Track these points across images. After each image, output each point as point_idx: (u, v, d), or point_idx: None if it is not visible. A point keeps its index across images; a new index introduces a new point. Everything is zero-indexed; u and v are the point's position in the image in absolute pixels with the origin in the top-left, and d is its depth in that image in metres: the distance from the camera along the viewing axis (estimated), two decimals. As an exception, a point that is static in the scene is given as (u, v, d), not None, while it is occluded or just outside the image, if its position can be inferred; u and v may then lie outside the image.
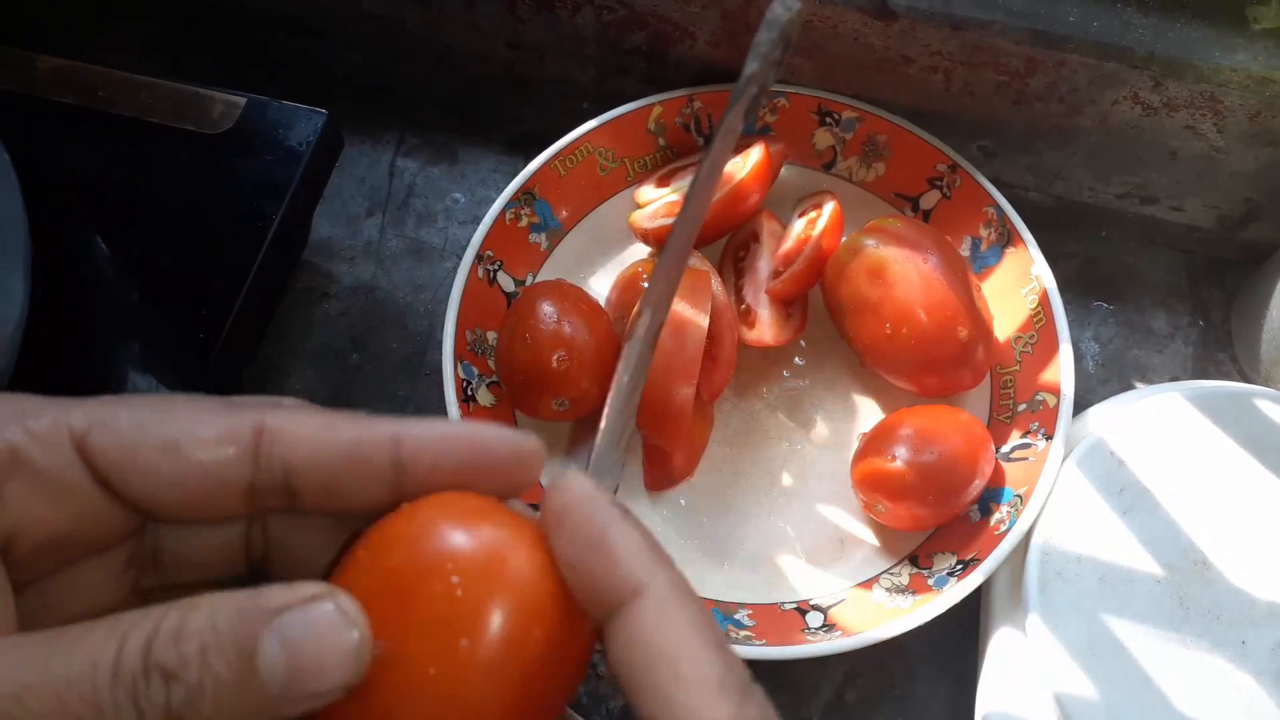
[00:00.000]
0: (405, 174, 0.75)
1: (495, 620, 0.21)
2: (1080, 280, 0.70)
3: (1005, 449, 0.58)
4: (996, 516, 0.55)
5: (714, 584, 0.57)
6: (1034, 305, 0.60)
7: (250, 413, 0.23)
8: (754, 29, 0.63)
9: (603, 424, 0.31)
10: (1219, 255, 0.72)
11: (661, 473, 0.60)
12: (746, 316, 0.62)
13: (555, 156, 0.64)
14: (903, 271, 0.58)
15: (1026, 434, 0.57)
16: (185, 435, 0.22)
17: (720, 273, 0.63)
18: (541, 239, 0.65)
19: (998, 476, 0.57)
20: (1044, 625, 0.51)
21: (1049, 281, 0.60)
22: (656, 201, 0.65)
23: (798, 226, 0.64)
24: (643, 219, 0.64)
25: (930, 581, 0.54)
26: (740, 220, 0.64)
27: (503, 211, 0.62)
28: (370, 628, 0.20)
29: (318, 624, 0.19)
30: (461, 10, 0.70)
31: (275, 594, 0.19)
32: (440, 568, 0.21)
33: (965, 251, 0.64)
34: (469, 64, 0.75)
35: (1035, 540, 0.53)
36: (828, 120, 0.67)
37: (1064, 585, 0.52)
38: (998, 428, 0.60)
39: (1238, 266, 0.70)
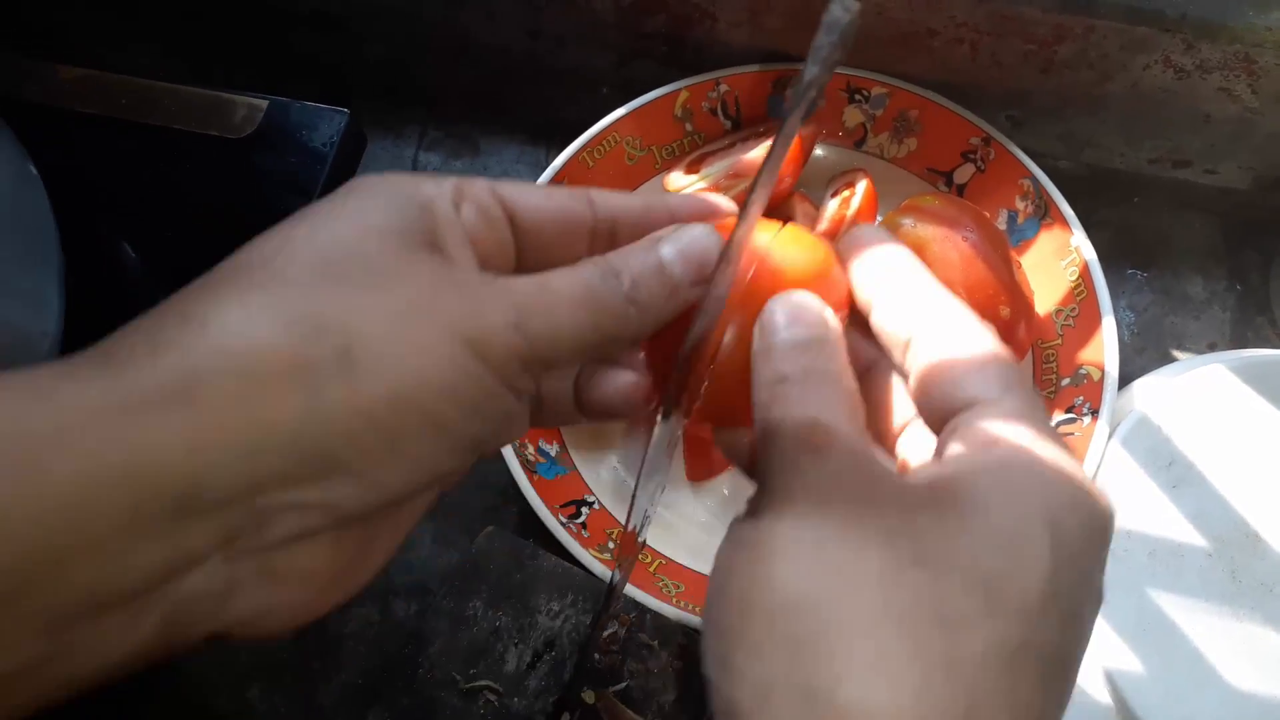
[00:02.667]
0: (429, 168, 0.74)
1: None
2: (1114, 248, 0.69)
3: (1051, 424, 0.58)
4: (1043, 495, 0.54)
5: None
6: (1074, 278, 0.59)
7: (580, 188, 0.31)
8: (774, 9, 0.64)
9: (656, 426, 0.31)
10: (1255, 218, 0.71)
11: (703, 463, 0.59)
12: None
13: (584, 148, 0.64)
14: (942, 251, 0.57)
15: (1071, 409, 0.57)
16: (547, 190, 0.30)
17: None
18: (573, 231, 0.65)
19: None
20: (1094, 602, 0.51)
21: (1089, 253, 0.59)
22: (689, 188, 0.64)
23: (831, 206, 0.63)
24: None
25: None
26: (774, 204, 0.64)
27: (534, 205, 0.62)
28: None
29: (692, 233, 0.29)
30: (480, 1, 0.69)
31: (659, 231, 0.30)
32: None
33: (1002, 225, 0.63)
34: (489, 54, 0.74)
35: (1083, 517, 0.53)
36: (857, 97, 0.66)
37: (1114, 562, 0.51)
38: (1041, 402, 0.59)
39: (1275, 228, 0.69)
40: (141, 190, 0.62)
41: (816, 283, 0.30)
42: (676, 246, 0.29)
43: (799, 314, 0.28)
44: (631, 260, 0.28)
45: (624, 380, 0.31)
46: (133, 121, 0.63)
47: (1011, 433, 0.26)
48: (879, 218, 0.61)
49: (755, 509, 0.27)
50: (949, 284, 0.55)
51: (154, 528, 0.21)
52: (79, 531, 0.20)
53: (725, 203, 0.32)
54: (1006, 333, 0.57)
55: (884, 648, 0.22)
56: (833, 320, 0.29)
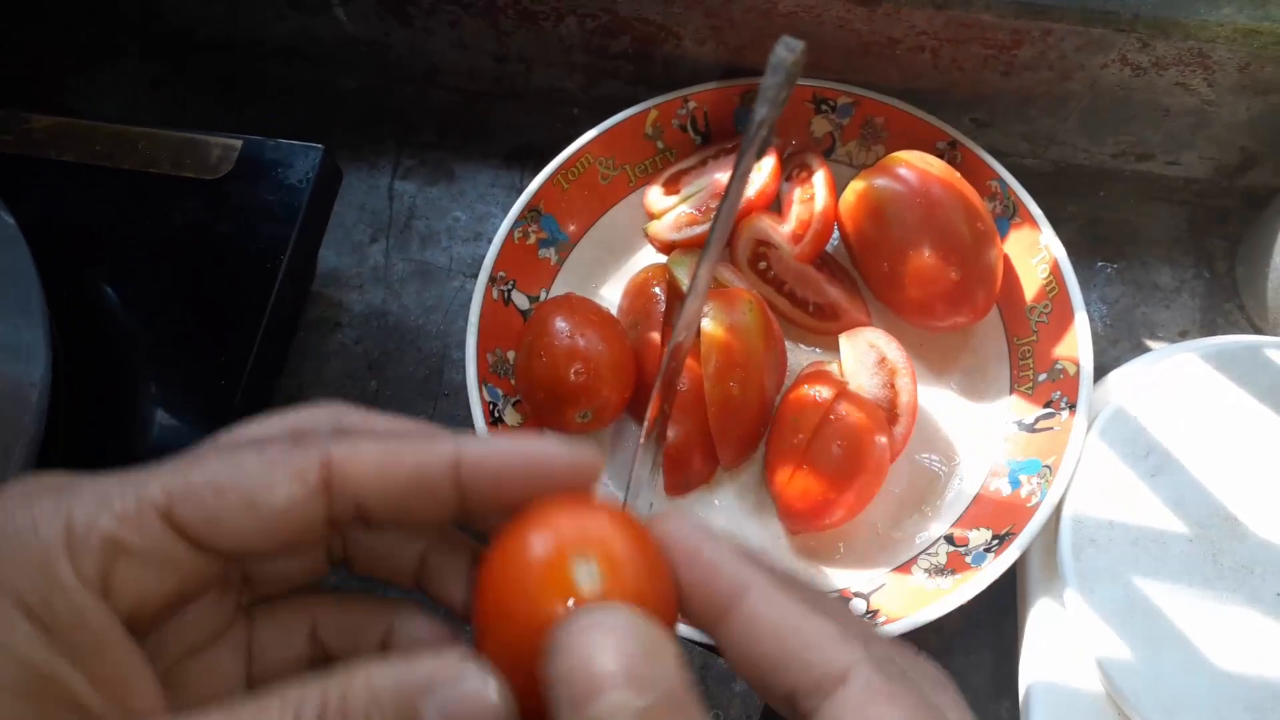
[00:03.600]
0: (405, 196, 0.75)
1: None
2: (1083, 242, 0.71)
3: (1029, 420, 0.59)
4: (1027, 489, 0.56)
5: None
6: (1046, 275, 0.61)
7: (315, 449, 0.24)
8: (737, 24, 0.65)
9: (638, 451, 0.32)
10: (1219, 205, 0.72)
11: (680, 478, 0.60)
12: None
13: (557, 171, 0.65)
14: (897, 211, 0.60)
15: (1049, 404, 0.58)
16: (260, 488, 0.23)
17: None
18: (551, 254, 0.66)
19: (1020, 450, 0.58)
20: (1081, 592, 0.52)
21: (1059, 251, 0.60)
22: (672, 211, 0.65)
23: (796, 209, 0.64)
24: (664, 230, 0.65)
25: (968, 559, 0.55)
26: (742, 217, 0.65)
27: (511, 231, 0.63)
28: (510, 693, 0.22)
29: (468, 694, 0.21)
30: (446, 28, 0.70)
31: (425, 665, 0.22)
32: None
33: (969, 227, 0.65)
34: (458, 80, 0.75)
35: (1066, 509, 0.54)
36: (823, 107, 0.68)
37: (1098, 551, 0.53)
38: (1019, 398, 0.60)
39: (1238, 215, 0.71)
40: (120, 235, 0.62)
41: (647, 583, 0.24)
42: (444, 713, 0.21)
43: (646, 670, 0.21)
44: None
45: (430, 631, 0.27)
46: (108, 167, 0.63)
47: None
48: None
49: None
50: (903, 243, 0.60)
51: None
52: None
53: (547, 460, 0.25)
54: (958, 295, 0.60)
55: None
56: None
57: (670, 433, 0.58)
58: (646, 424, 0.31)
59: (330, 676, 0.21)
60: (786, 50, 0.26)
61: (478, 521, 0.26)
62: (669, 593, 0.24)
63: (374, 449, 0.24)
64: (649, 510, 0.37)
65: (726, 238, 0.29)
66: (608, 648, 0.20)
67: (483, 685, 0.21)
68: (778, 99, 0.26)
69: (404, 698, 0.21)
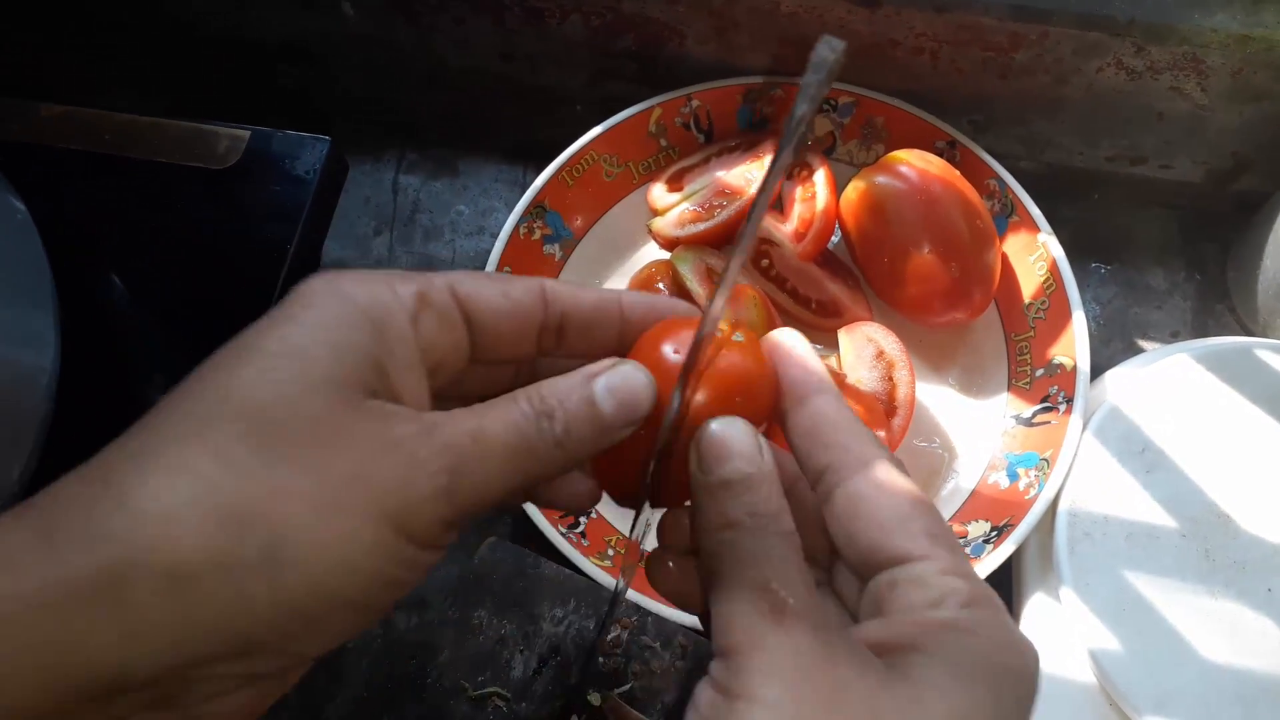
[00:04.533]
0: (409, 190, 0.76)
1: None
2: (1077, 244, 0.72)
3: (1027, 415, 0.60)
4: (1025, 481, 0.57)
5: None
6: (1044, 273, 0.62)
7: (535, 280, 0.32)
8: (740, 25, 0.66)
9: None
10: (1210, 209, 0.74)
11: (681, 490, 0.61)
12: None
13: (562, 168, 0.66)
14: (897, 209, 0.61)
15: (1046, 399, 0.59)
16: (510, 283, 0.32)
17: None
18: (555, 250, 0.67)
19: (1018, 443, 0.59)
20: (1075, 586, 0.53)
21: (1056, 249, 0.61)
22: (675, 208, 0.66)
23: (798, 207, 0.65)
24: (668, 227, 0.65)
25: (967, 551, 0.56)
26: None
27: (517, 226, 0.64)
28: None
29: (624, 373, 0.29)
30: (451, 26, 0.71)
31: (594, 366, 0.30)
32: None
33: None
34: (463, 77, 0.76)
35: (1062, 504, 0.55)
36: (825, 106, 0.69)
37: (1092, 546, 0.54)
38: (1017, 393, 0.61)
39: (1230, 219, 0.72)
40: (128, 223, 0.63)
41: (750, 391, 0.31)
42: (609, 387, 0.29)
43: (736, 445, 0.29)
44: (567, 401, 0.29)
45: (580, 488, 0.33)
46: (116, 156, 0.63)
47: (950, 597, 0.27)
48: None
49: (723, 684, 0.26)
50: (902, 240, 0.61)
51: (86, 707, 0.23)
52: (11, 713, 0.22)
53: (677, 304, 0.34)
54: (956, 292, 0.61)
55: None
56: (767, 452, 0.29)
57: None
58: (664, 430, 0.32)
59: (540, 383, 0.29)
60: (829, 49, 0.26)
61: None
62: (770, 391, 0.32)
63: (571, 286, 0.33)
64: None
65: (756, 235, 0.31)
66: (735, 438, 0.29)
67: (635, 370, 0.30)
68: (818, 95, 0.27)
69: (586, 382, 0.29)
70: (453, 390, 0.32)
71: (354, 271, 0.29)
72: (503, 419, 0.28)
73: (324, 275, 0.29)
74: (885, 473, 0.29)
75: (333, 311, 0.28)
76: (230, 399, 0.26)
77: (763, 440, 0.29)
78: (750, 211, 0.29)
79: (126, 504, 0.24)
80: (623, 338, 0.33)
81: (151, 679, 0.24)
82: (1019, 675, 0.27)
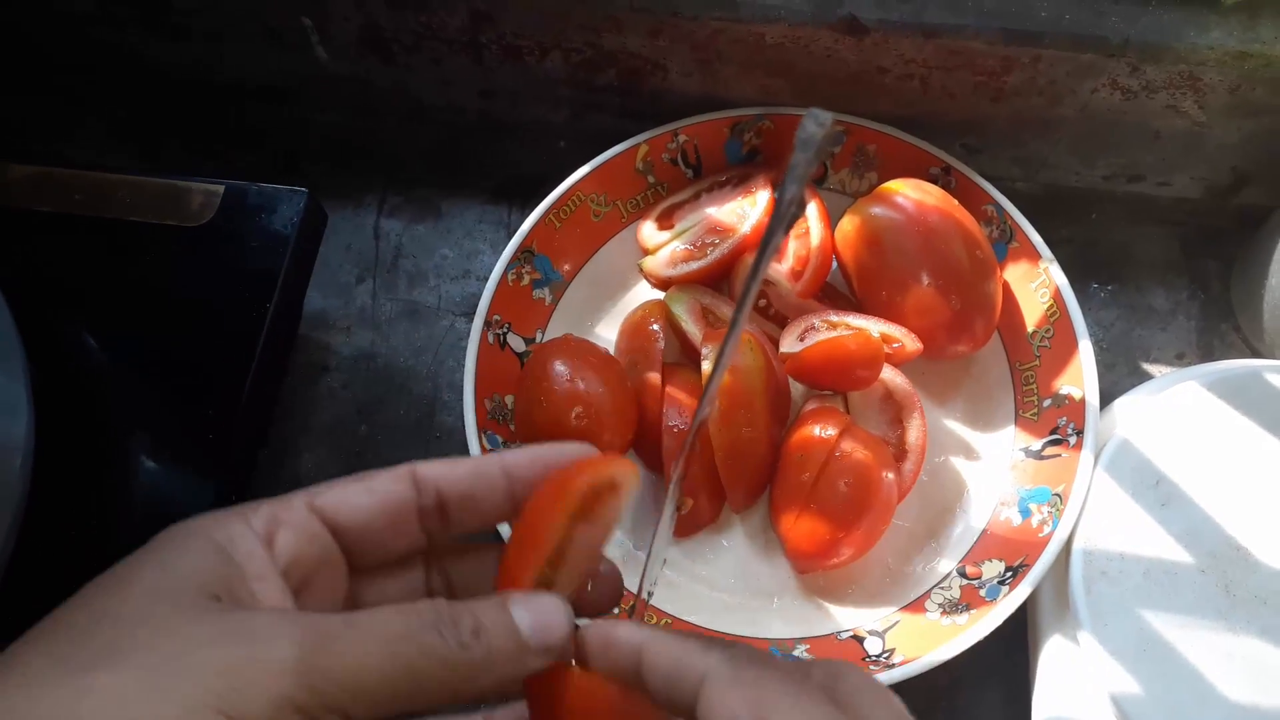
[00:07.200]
0: (391, 235, 0.74)
1: None
2: (1076, 265, 0.70)
3: (1036, 447, 0.58)
4: (1038, 518, 0.55)
5: (767, 621, 0.57)
6: (1047, 301, 0.60)
7: (404, 466, 0.32)
8: (723, 57, 0.64)
9: (652, 545, 0.36)
10: (1211, 225, 0.72)
11: (686, 519, 0.59)
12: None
13: (549, 210, 0.64)
14: (896, 241, 0.60)
15: (1055, 430, 0.58)
16: (372, 480, 0.32)
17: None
18: (545, 294, 0.65)
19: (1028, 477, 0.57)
20: (1093, 626, 0.51)
21: (1059, 276, 0.60)
22: (666, 246, 0.65)
23: (792, 244, 0.63)
24: (660, 266, 0.64)
25: (982, 593, 0.54)
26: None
27: (505, 273, 0.62)
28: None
29: (544, 600, 0.29)
30: (429, 65, 0.69)
31: (513, 594, 0.29)
32: None
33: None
34: (442, 115, 0.74)
35: (1077, 542, 0.53)
36: (813, 138, 0.67)
37: (1109, 585, 0.52)
38: (1024, 425, 0.60)
39: (1232, 235, 0.71)
40: (102, 285, 0.61)
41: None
42: (529, 612, 0.29)
43: None
44: (480, 612, 0.28)
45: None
46: (88, 216, 0.62)
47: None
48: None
49: None
50: (901, 273, 0.59)
51: None
52: None
53: (564, 450, 0.32)
54: (958, 325, 0.60)
55: None
56: None
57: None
58: (670, 502, 0.31)
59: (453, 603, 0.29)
60: (816, 125, 0.25)
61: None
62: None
63: (443, 460, 0.32)
64: (663, 566, 0.38)
65: (747, 318, 0.29)
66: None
67: (553, 598, 0.29)
68: (807, 175, 0.25)
69: (498, 601, 0.29)
70: (352, 606, 0.32)
71: (211, 512, 0.29)
72: (389, 611, 0.27)
73: (182, 521, 0.29)
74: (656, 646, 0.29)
75: (177, 544, 0.28)
76: (62, 625, 0.26)
77: None
78: (740, 298, 0.27)
79: None
80: (513, 499, 0.32)
81: None
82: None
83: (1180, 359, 0.68)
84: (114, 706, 0.23)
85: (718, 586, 0.59)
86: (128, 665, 0.24)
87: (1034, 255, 0.62)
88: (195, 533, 0.28)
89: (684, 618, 0.56)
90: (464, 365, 0.60)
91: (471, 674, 0.27)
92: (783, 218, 0.26)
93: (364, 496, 0.31)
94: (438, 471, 0.31)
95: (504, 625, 0.28)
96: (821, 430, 0.57)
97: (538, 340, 0.64)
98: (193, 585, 0.26)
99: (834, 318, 0.61)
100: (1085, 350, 0.58)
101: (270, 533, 0.29)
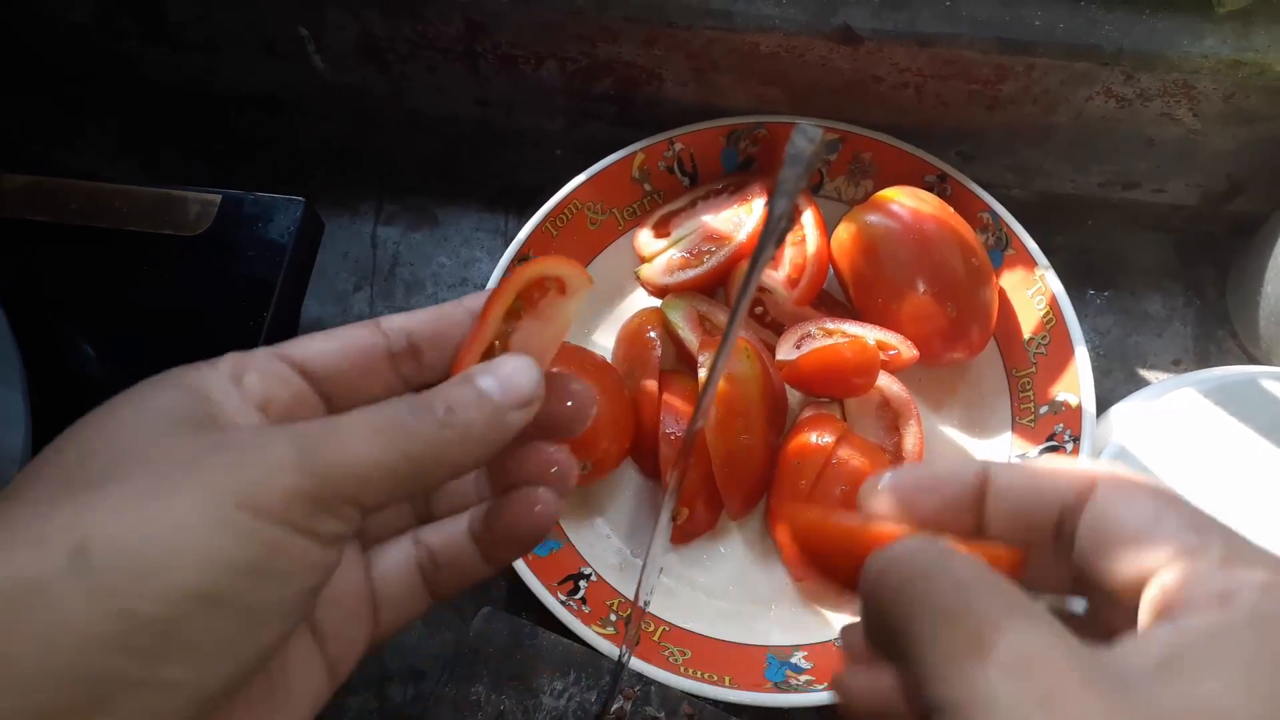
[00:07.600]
0: (388, 243, 0.74)
1: None
2: (1072, 272, 0.70)
3: (1033, 454, 0.58)
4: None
5: (764, 629, 0.57)
6: (1043, 308, 0.60)
7: (369, 320, 0.32)
8: (718, 65, 0.64)
9: (649, 553, 0.36)
10: (1207, 232, 0.72)
11: (684, 526, 0.59)
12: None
13: (546, 218, 0.64)
14: (891, 250, 0.60)
15: (1052, 437, 0.58)
16: (333, 332, 0.31)
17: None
18: (541, 303, 0.65)
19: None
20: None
21: (1055, 284, 0.60)
22: (663, 254, 0.65)
23: (789, 252, 0.63)
24: (656, 274, 0.64)
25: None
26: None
27: (501, 282, 0.62)
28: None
29: (502, 361, 0.29)
30: (425, 74, 0.69)
31: (473, 366, 0.30)
32: None
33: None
34: (439, 124, 0.74)
35: (1073, 550, 0.53)
36: (809, 146, 0.67)
37: (1106, 592, 0.52)
38: (1021, 432, 0.60)
39: (1227, 241, 0.71)
40: (99, 296, 0.61)
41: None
42: (493, 375, 0.29)
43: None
44: (447, 390, 0.29)
45: (548, 456, 0.32)
46: (84, 226, 0.61)
47: (1242, 590, 0.23)
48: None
49: None
50: (897, 281, 0.59)
51: None
52: None
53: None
54: (954, 332, 0.60)
55: None
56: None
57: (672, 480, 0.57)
58: (666, 509, 0.31)
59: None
60: (806, 140, 0.25)
61: None
62: None
63: (407, 313, 0.32)
64: (659, 574, 0.38)
65: (739, 329, 0.29)
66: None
67: (513, 357, 0.29)
68: (797, 190, 0.26)
69: (462, 377, 0.29)
70: None
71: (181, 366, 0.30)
72: (369, 409, 0.28)
73: (146, 379, 0.29)
74: (1112, 484, 0.27)
75: (147, 389, 0.28)
76: (51, 458, 0.26)
77: None
78: (733, 312, 0.27)
79: None
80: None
81: None
82: None
83: (1176, 365, 0.68)
84: (130, 511, 0.23)
85: (715, 594, 0.59)
86: (134, 476, 0.24)
87: (1030, 262, 0.62)
88: (163, 380, 0.28)
89: (681, 625, 0.56)
90: (461, 373, 0.59)
91: (463, 447, 0.28)
92: (773, 232, 0.26)
93: (329, 341, 0.31)
94: (402, 318, 0.32)
95: (473, 394, 0.28)
96: (818, 437, 0.57)
97: (535, 350, 0.64)
98: (174, 417, 0.27)
99: (830, 325, 0.61)
100: (1081, 357, 0.58)
101: (238, 375, 0.29)
